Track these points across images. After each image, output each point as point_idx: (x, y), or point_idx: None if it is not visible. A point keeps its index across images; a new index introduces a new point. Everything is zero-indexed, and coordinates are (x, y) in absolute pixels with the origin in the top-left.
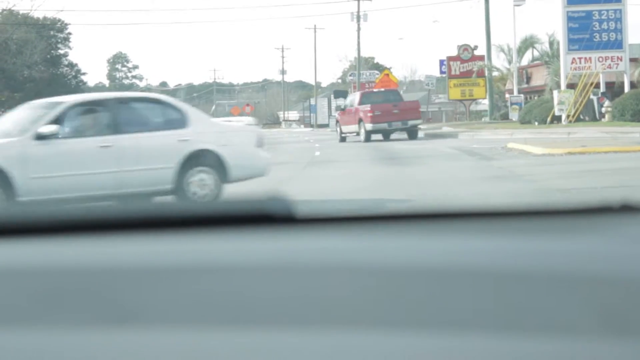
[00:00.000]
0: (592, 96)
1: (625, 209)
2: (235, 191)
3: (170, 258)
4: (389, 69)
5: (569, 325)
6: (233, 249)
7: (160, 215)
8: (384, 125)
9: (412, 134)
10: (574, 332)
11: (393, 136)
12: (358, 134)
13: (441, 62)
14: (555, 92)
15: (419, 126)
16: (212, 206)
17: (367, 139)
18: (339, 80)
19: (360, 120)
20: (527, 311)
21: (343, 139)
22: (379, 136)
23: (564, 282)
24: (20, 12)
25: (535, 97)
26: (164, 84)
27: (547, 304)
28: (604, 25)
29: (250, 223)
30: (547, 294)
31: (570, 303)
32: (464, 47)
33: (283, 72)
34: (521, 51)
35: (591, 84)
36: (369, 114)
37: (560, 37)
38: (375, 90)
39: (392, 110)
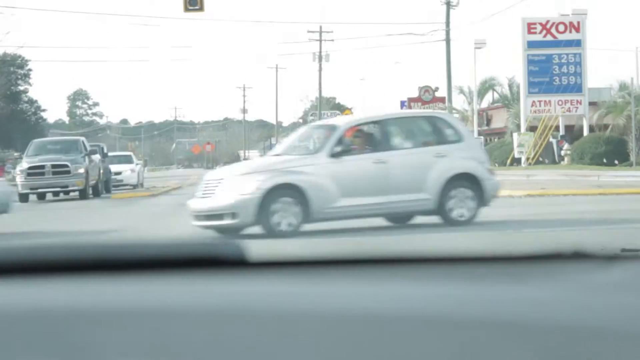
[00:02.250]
0: (551, 139)
1: (577, 256)
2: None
3: (118, 301)
4: (350, 109)
5: None
6: (181, 292)
7: (109, 257)
8: None
9: None
10: None
11: None
12: None
13: (402, 103)
14: (515, 135)
15: None
16: (163, 249)
17: None
18: (300, 120)
19: None
20: (479, 358)
21: None
22: None
23: (516, 330)
24: None
25: (496, 139)
26: (124, 121)
27: (498, 351)
28: (564, 69)
29: (202, 266)
30: (498, 341)
31: (521, 350)
32: (425, 89)
33: (244, 110)
34: (481, 93)
35: (551, 126)
36: None
37: (521, 80)
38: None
39: None
